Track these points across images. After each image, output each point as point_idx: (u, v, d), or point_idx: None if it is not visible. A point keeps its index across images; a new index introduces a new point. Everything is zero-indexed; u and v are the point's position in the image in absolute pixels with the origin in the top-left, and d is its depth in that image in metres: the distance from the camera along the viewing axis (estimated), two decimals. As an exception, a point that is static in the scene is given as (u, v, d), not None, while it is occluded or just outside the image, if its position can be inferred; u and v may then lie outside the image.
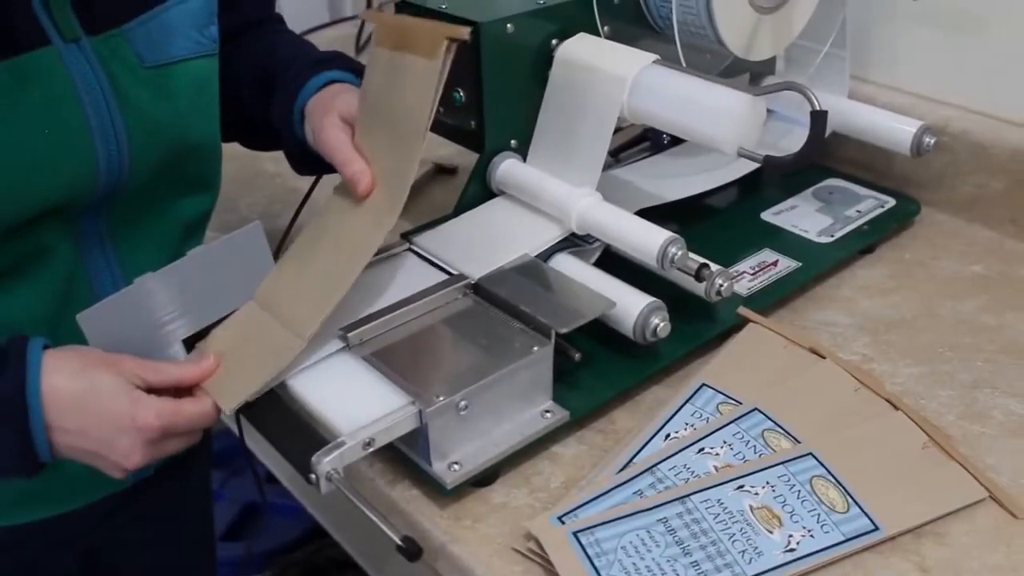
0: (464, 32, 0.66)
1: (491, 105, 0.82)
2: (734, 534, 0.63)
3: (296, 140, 0.80)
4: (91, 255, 0.72)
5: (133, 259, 0.74)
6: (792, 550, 0.62)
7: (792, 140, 1.01)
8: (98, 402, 0.61)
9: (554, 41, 0.83)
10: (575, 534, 0.63)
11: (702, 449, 0.69)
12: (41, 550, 0.81)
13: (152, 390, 0.63)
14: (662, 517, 0.64)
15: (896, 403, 0.73)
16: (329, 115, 0.75)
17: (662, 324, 0.74)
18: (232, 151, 1.17)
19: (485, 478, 0.69)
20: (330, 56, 0.83)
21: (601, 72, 0.80)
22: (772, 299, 0.85)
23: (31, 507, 0.78)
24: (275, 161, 1.04)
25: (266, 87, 0.82)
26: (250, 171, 1.13)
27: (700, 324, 0.81)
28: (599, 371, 0.76)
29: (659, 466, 0.67)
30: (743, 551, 0.62)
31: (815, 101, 0.70)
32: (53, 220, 0.68)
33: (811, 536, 0.63)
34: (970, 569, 0.62)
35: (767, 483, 0.66)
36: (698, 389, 0.75)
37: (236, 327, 0.71)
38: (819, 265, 0.90)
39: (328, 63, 0.81)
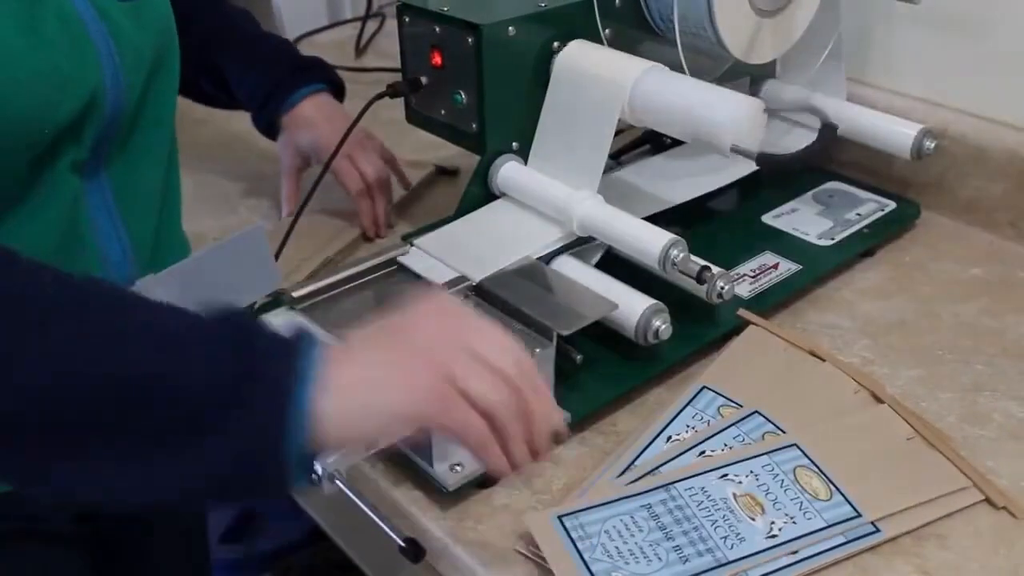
0: None
1: (492, 107, 0.82)
2: (716, 520, 0.64)
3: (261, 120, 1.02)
4: (91, 195, 0.71)
5: (126, 199, 0.73)
6: (774, 536, 0.63)
7: (792, 140, 1.01)
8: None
9: (555, 44, 0.83)
10: (560, 518, 0.63)
11: (703, 452, 0.70)
12: (44, 520, 0.81)
13: None
14: (646, 503, 0.65)
15: (881, 396, 0.74)
16: (289, 143, 1.01)
17: (663, 326, 0.74)
18: (234, 152, 1.18)
19: (487, 480, 0.69)
20: (309, 63, 1.02)
21: (602, 76, 0.80)
22: (773, 301, 0.85)
23: None
24: (276, 163, 1.04)
25: (213, 56, 0.95)
26: (251, 173, 1.13)
27: (701, 326, 0.81)
28: (600, 373, 0.76)
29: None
30: (725, 537, 0.63)
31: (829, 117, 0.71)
32: (61, 153, 0.67)
33: (793, 523, 0.64)
34: (971, 572, 0.62)
35: (751, 472, 0.67)
36: (699, 391, 0.75)
37: None
38: (819, 268, 0.90)
39: (309, 70, 1.01)
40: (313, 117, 1.00)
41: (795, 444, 0.69)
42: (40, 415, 0.47)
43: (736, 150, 0.74)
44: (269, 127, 1.03)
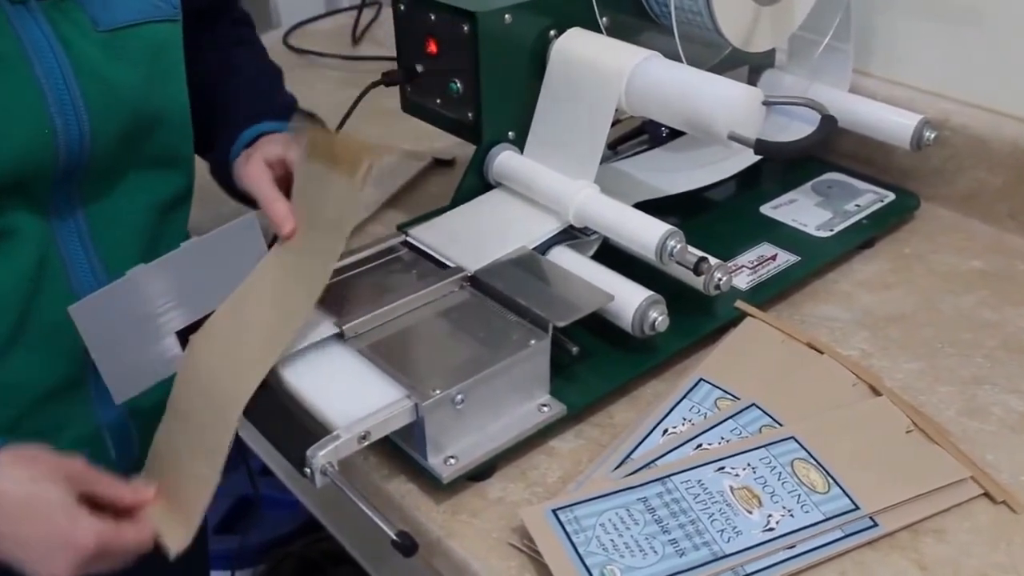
0: (385, 151, 0.68)
1: (488, 96, 0.82)
2: (713, 513, 0.63)
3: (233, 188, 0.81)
4: (64, 236, 0.70)
5: (108, 240, 0.72)
6: (771, 529, 0.62)
7: (790, 134, 1.00)
8: (40, 514, 0.61)
9: (552, 32, 0.82)
10: (554, 511, 0.63)
11: (699, 445, 0.69)
12: None
13: (95, 501, 0.63)
14: (642, 496, 0.64)
15: (879, 389, 0.73)
16: (252, 157, 0.76)
17: (660, 318, 0.74)
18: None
19: (482, 472, 0.68)
20: (263, 107, 0.83)
21: (599, 64, 0.79)
22: (771, 293, 0.85)
23: None
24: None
25: (209, 112, 0.83)
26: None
27: (698, 318, 0.80)
28: (597, 365, 0.76)
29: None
30: (722, 530, 0.62)
31: (826, 110, 0.73)
32: (17, 197, 0.66)
33: (791, 516, 0.63)
34: (969, 567, 0.61)
35: (748, 465, 0.67)
36: (696, 384, 0.75)
37: (171, 418, 0.69)
38: (818, 259, 0.89)
39: (258, 116, 0.82)
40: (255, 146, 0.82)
41: (793, 437, 0.69)
42: None
43: (733, 137, 0.73)
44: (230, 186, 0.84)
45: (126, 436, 0.79)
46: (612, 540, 0.62)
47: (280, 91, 0.89)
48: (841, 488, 0.65)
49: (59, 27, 0.65)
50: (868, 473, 0.66)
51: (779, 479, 0.66)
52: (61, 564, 0.61)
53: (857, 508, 0.63)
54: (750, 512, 0.63)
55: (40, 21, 0.64)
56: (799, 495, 0.64)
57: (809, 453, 0.67)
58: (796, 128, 1.00)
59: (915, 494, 0.65)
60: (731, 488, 0.65)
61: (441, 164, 1.12)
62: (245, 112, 0.83)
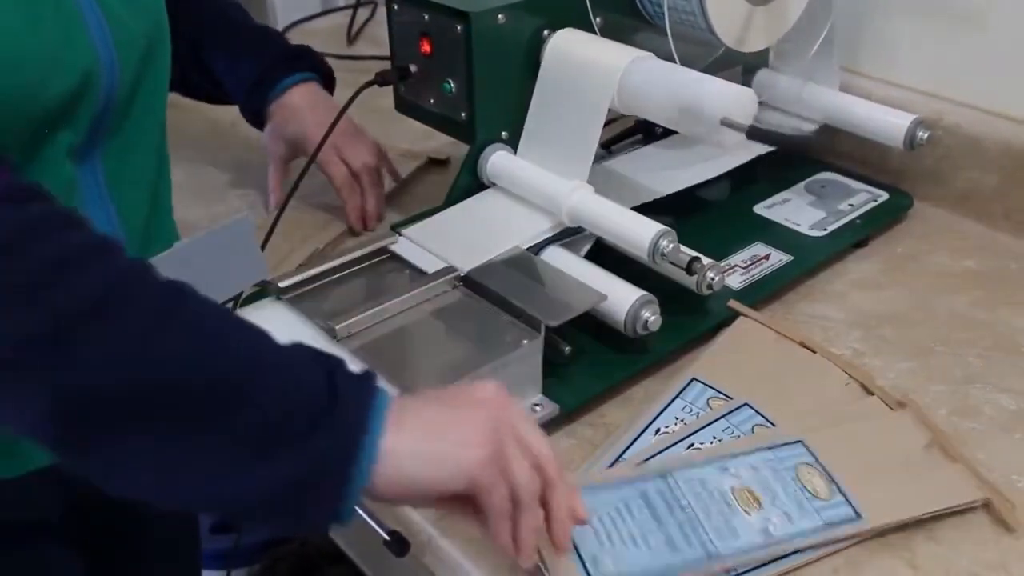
0: None
1: (482, 96, 0.82)
2: (711, 512, 0.63)
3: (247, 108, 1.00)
4: (85, 183, 0.70)
5: (120, 188, 0.72)
6: (768, 532, 0.62)
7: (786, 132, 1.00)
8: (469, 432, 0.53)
9: (545, 32, 0.82)
10: None
11: (692, 445, 0.69)
12: (39, 506, 0.80)
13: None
14: (642, 490, 0.64)
15: (871, 388, 0.73)
16: (327, 151, 0.93)
17: (653, 318, 0.74)
18: (224, 141, 1.17)
19: (474, 472, 0.68)
20: (297, 52, 1.00)
21: (592, 64, 0.79)
22: (764, 293, 0.85)
23: (23, 457, 0.77)
24: (262, 152, 1.03)
25: (201, 48, 0.92)
26: (238, 162, 1.12)
27: (691, 318, 0.80)
28: (589, 365, 0.76)
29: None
30: (718, 529, 0.62)
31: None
32: (51, 139, 0.66)
33: (789, 520, 0.63)
34: (960, 566, 0.61)
35: (752, 466, 0.66)
36: (688, 383, 0.75)
37: None
38: (811, 259, 0.89)
39: (298, 59, 0.99)
40: (299, 106, 0.98)
41: (800, 441, 0.68)
42: (134, 394, 0.47)
43: (726, 123, 0.73)
44: (256, 117, 1.01)
45: None
46: (607, 531, 0.62)
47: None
48: (845, 496, 0.64)
49: None
50: (877, 485, 0.65)
51: (781, 483, 0.65)
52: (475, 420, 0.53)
53: (859, 518, 0.63)
54: (748, 513, 0.63)
55: None
56: (800, 500, 0.64)
57: (816, 459, 0.67)
58: (788, 127, 1.01)
59: (925, 511, 0.63)
60: (732, 489, 0.65)
61: (436, 163, 1.12)
62: (278, 55, 0.99)
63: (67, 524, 0.84)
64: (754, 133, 0.72)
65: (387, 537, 0.59)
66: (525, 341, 0.69)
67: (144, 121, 0.74)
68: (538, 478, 0.54)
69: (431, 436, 0.51)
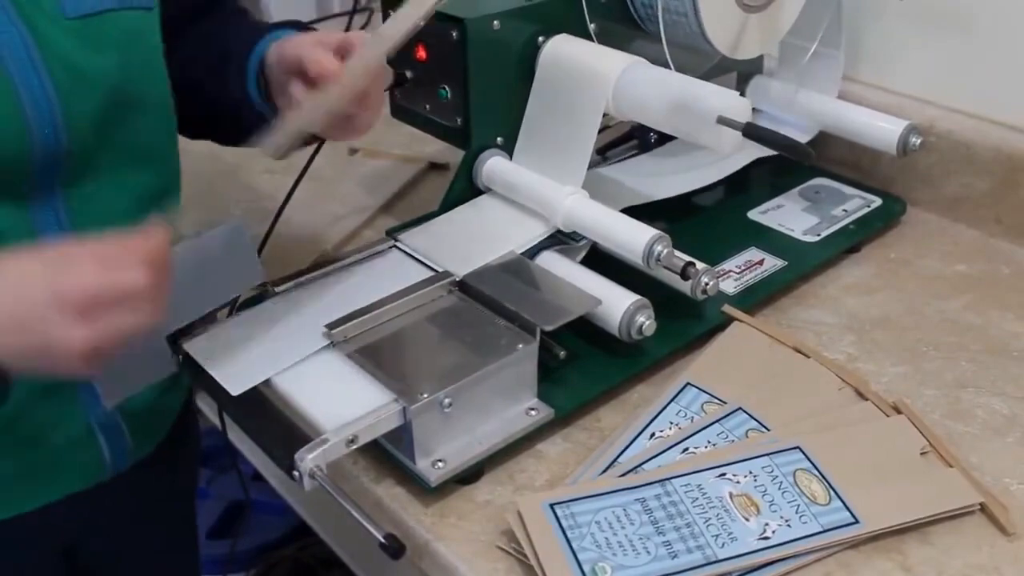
0: None
1: (477, 102, 0.82)
2: (710, 518, 0.63)
3: (244, 97, 0.79)
4: (45, 232, 0.69)
5: (85, 220, 0.71)
6: (767, 538, 0.62)
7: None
8: (13, 283, 0.56)
9: (541, 38, 0.83)
10: (551, 506, 0.63)
11: (686, 449, 0.69)
12: (22, 550, 0.81)
13: None
14: (640, 497, 0.65)
15: (865, 393, 0.73)
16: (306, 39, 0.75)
17: (648, 322, 0.74)
18: (216, 152, 1.17)
19: (469, 476, 0.69)
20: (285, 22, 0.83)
21: (587, 69, 0.80)
22: (758, 298, 0.85)
23: (11, 499, 0.77)
24: (255, 156, 1.03)
25: (225, 63, 0.80)
26: (237, 169, 1.13)
27: (686, 322, 0.81)
28: (584, 369, 0.76)
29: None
30: (717, 535, 0.62)
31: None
32: (1, 199, 0.66)
33: (788, 525, 0.63)
34: (953, 568, 0.62)
35: (750, 472, 0.67)
36: (683, 388, 0.75)
37: None
38: (805, 264, 0.90)
39: (282, 25, 0.81)
40: (293, 36, 0.79)
41: (798, 447, 0.68)
42: None
43: (723, 121, 0.73)
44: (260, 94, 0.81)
45: (119, 435, 0.79)
46: (606, 538, 0.62)
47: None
48: (842, 501, 0.65)
49: (28, 15, 0.64)
50: (874, 490, 0.66)
51: (779, 488, 0.66)
52: (61, 323, 0.55)
53: (857, 522, 0.63)
54: (747, 519, 0.63)
55: (8, 10, 0.63)
56: (798, 505, 0.64)
57: (813, 464, 0.67)
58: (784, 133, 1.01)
59: (922, 516, 0.64)
60: (730, 494, 0.65)
61: (436, 168, 1.13)
62: (262, 26, 0.82)
63: (62, 533, 0.84)
64: (751, 131, 0.72)
65: (382, 540, 0.59)
66: (520, 345, 0.69)
67: (124, 165, 0.73)
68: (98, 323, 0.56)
69: None
